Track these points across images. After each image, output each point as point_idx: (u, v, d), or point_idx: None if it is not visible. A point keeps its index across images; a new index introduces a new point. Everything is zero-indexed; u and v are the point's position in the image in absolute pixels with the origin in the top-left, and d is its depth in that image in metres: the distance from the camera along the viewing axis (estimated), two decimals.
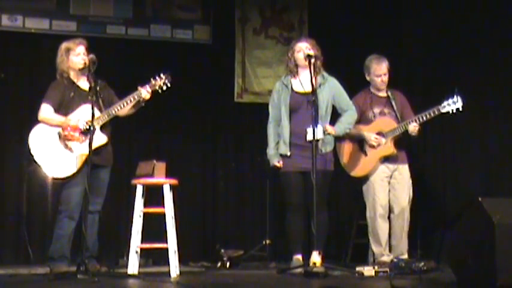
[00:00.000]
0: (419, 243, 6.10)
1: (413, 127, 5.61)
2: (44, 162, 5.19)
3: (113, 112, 5.28)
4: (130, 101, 5.28)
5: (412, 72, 6.05)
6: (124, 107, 5.30)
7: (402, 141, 5.77)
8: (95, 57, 5.14)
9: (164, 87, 5.29)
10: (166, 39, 7.29)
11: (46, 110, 5.27)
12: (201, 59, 7.31)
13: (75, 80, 5.35)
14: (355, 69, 6.80)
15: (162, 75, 5.29)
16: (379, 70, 5.79)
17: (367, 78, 5.86)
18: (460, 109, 5.46)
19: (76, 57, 5.29)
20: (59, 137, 5.23)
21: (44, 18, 6.92)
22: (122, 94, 5.55)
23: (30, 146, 5.21)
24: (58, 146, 5.22)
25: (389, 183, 5.75)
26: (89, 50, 5.30)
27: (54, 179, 5.25)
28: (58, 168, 5.19)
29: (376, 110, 5.81)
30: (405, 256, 5.63)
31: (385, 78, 5.80)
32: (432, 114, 5.58)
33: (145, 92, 5.26)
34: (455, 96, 5.44)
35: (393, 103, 5.80)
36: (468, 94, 5.76)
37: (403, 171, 5.76)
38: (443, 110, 5.50)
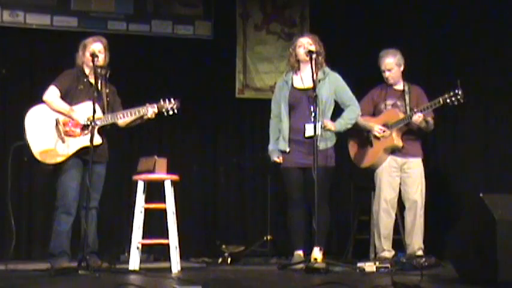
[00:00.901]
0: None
1: (417, 117, 5.60)
2: (34, 143, 5.16)
3: (115, 118, 5.29)
4: (135, 113, 5.29)
5: (413, 67, 6.05)
6: (127, 117, 5.31)
7: (414, 134, 5.77)
8: (96, 51, 5.18)
9: (171, 112, 5.30)
10: (167, 34, 7.29)
11: (52, 92, 5.28)
12: (202, 54, 7.31)
13: (88, 75, 5.37)
14: (357, 65, 6.82)
15: (172, 100, 5.30)
16: (381, 65, 5.82)
17: None
18: (461, 101, 5.46)
19: (89, 53, 5.31)
20: (56, 123, 5.22)
21: (45, 14, 6.92)
22: (122, 91, 5.56)
23: (25, 121, 5.19)
24: (52, 132, 5.21)
25: (400, 178, 5.75)
26: (107, 49, 5.32)
27: (39, 161, 5.19)
28: (46, 153, 5.16)
29: (389, 102, 5.84)
30: (419, 254, 5.57)
31: (389, 74, 5.80)
32: (433, 106, 5.58)
33: (151, 111, 5.28)
34: (457, 89, 5.45)
35: (406, 96, 5.80)
36: (470, 90, 5.76)
37: (413, 165, 5.74)
38: (446, 101, 5.50)
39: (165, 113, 5.31)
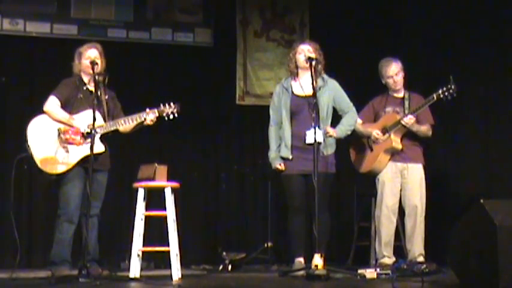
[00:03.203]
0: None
1: (408, 119, 5.63)
2: (37, 153, 5.15)
3: (116, 125, 5.29)
4: (136, 119, 5.29)
5: (413, 75, 6.06)
6: (128, 124, 5.31)
7: (415, 140, 5.78)
8: (96, 60, 5.19)
9: (171, 116, 5.31)
10: (167, 42, 7.29)
11: (52, 103, 5.27)
12: (203, 62, 7.31)
13: (86, 83, 5.37)
14: (356, 72, 6.82)
15: (172, 104, 5.31)
16: (388, 71, 5.83)
17: (383, 82, 5.89)
18: (455, 95, 5.52)
19: (86, 60, 5.31)
20: (58, 133, 5.22)
21: (45, 22, 6.92)
22: (122, 98, 5.56)
23: (27, 133, 5.19)
24: (55, 142, 5.20)
25: (400, 183, 5.75)
26: (102, 54, 5.32)
27: (42, 171, 5.18)
28: (49, 163, 5.16)
29: (389, 109, 5.86)
30: (420, 260, 5.57)
31: (397, 79, 5.82)
32: (428, 103, 5.63)
33: (152, 116, 5.28)
34: (450, 83, 5.51)
35: (406, 102, 5.82)
36: (470, 95, 5.77)
37: (413, 171, 5.74)
38: (440, 97, 5.55)
39: (166, 118, 5.32)
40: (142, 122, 5.31)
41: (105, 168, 5.38)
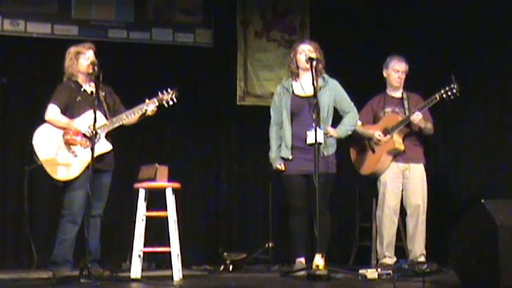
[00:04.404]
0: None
1: (415, 116, 5.63)
2: (47, 162, 5.17)
3: (119, 122, 5.30)
4: (138, 112, 5.31)
5: (413, 75, 6.06)
6: (130, 118, 5.31)
7: (416, 139, 5.78)
8: (96, 61, 5.18)
9: (170, 102, 5.35)
10: (168, 42, 7.29)
11: (53, 111, 5.27)
12: (203, 62, 7.31)
13: (82, 84, 5.36)
14: (356, 72, 6.82)
15: (169, 90, 5.34)
16: (397, 65, 5.84)
17: (384, 74, 5.90)
18: (457, 94, 5.54)
19: (86, 61, 5.30)
20: (64, 139, 5.23)
21: (46, 22, 6.92)
22: (123, 98, 5.57)
23: (34, 145, 5.19)
24: (62, 148, 5.21)
25: (402, 183, 5.75)
26: (97, 55, 5.33)
27: (55, 180, 5.21)
28: (60, 170, 5.17)
29: (388, 110, 5.87)
30: (421, 260, 5.59)
31: (401, 76, 5.84)
32: (431, 103, 5.65)
33: (152, 106, 5.30)
34: (452, 83, 5.53)
35: (405, 102, 5.82)
36: (471, 94, 5.76)
37: (414, 171, 5.76)
38: (442, 97, 5.57)
39: (166, 104, 5.35)
40: (144, 113, 5.33)
41: (110, 168, 5.40)
